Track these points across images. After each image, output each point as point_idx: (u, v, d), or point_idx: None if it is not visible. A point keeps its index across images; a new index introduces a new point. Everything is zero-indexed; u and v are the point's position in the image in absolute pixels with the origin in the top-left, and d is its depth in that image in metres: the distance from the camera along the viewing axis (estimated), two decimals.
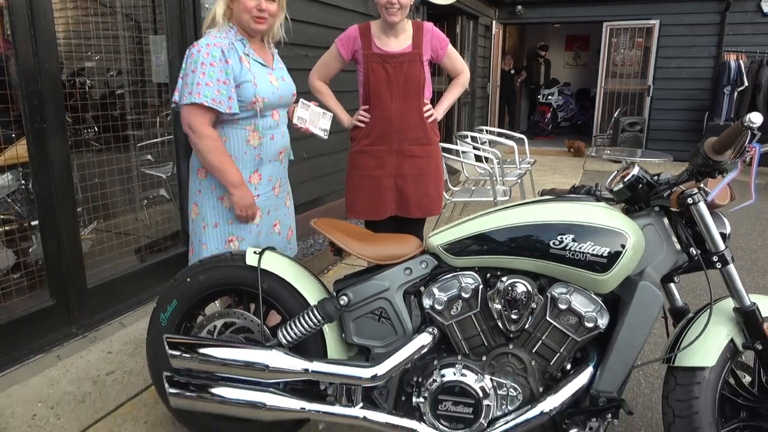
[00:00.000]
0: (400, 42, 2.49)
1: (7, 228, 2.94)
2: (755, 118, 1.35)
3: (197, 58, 1.95)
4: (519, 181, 5.26)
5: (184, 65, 2.01)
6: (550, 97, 12.36)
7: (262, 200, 2.16)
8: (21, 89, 2.41)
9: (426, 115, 2.56)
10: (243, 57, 2.02)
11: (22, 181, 2.97)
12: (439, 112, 2.65)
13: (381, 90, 2.49)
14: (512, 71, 11.22)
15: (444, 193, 3.47)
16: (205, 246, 2.12)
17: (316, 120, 2.32)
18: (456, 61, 2.68)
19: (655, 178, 1.73)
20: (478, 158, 5.13)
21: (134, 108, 3.64)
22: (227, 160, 2.01)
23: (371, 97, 2.52)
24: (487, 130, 6.50)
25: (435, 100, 2.65)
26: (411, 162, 2.56)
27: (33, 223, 2.87)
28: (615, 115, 8.82)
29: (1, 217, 2.97)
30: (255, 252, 1.89)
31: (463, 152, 5.04)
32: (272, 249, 1.94)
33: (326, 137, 2.38)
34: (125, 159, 3.63)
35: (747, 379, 1.79)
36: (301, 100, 2.29)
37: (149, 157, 3.89)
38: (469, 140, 5.62)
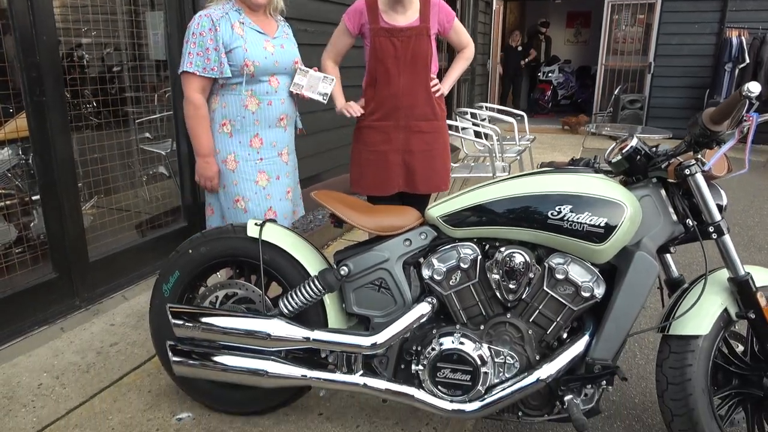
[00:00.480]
0: (407, 16, 2.44)
1: (8, 202, 2.95)
2: (753, 88, 1.36)
3: (190, 30, 2.13)
4: (518, 157, 5.26)
5: (184, 38, 2.16)
6: (550, 74, 12.27)
7: (267, 164, 2.29)
8: (19, 61, 2.40)
9: (433, 90, 2.54)
10: (236, 24, 2.15)
11: (23, 156, 2.97)
12: (445, 87, 2.62)
13: (389, 65, 2.45)
14: (519, 48, 11.09)
15: None
16: (212, 210, 2.33)
17: (315, 85, 2.33)
18: (462, 35, 2.66)
19: (653, 149, 1.74)
20: (477, 135, 5.13)
21: (133, 84, 3.63)
22: (202, 128, 2.18)
23: (378, 73, 2.48)
24: (486, 107, 6.48)
25: (440, 76, 2.63)
26: (419, 137, 2.54)
27: (34, 197, 2.88)
28: (615, 92, 8.78)
29: (2, 191, 2.98)
30: (256, 224, 1.91)
31: (463, 128, 5.03)
32: (273, 221, 1.97)
33: (325, 101, 2.39)
34: (124, 135, 3.63)
35: (740, 348, 1.82)
36: (300, 66, 2.32)
37: (147, 135, 3.89)
38: (468, 117, 5.60)
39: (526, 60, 11.61)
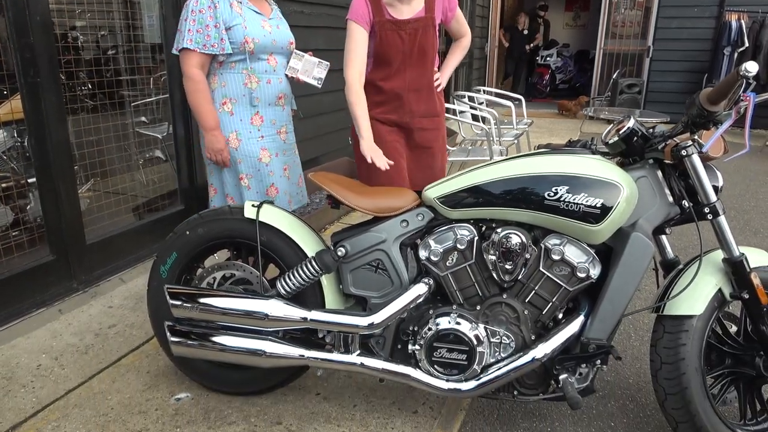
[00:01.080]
0: (412, 6, 2.32)
1: (4, 185, 2.94)
2: (751, 67, 1.36)
3: (189, 7, 2.15)
4: (515, 141, 5.26)
5: (180, 17, 2.17)
6: (548, 58, 12.20)
7: (268, 142, 2.34)
8: (12, 42, 2.38)
9: (435, 84, 2.47)
10: (234, 3, 2.18)
11: (18, 138, 2.96)
12: (443, 79, 2.57)
13: (396, 59, 2.33)
14: (525, 31, 10.96)
15: None
16: (225, 184, 2.34)
17: (310, 69, 2.38)
18: (462, 24, 2.59)
19: (650, 130, 1.74)
20: (474, 118, 5.11)
21: (128, 66, 3.60)
22: (205, 103, 2.19)
23: (383, 67, 2.35)
24: (484, 90, 6.45)
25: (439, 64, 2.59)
26: (420, 135, 2.46)
27: (30, 180, 2.87)
28: (614, 76, 8.74)
29: None
30: (253, 205, 1.91)
31: (461, 112, 5.01)
32: (270, 202, 1.97)
33: (320, 86, 2.43)
34: (120, 118, 3.61)
35: (734, 329, 1.84)
36: (295, 51, 2.37)
37: (144, 118, 3.87)
38: (466, 100, 5.58)
39: (532, 45, 11.49)
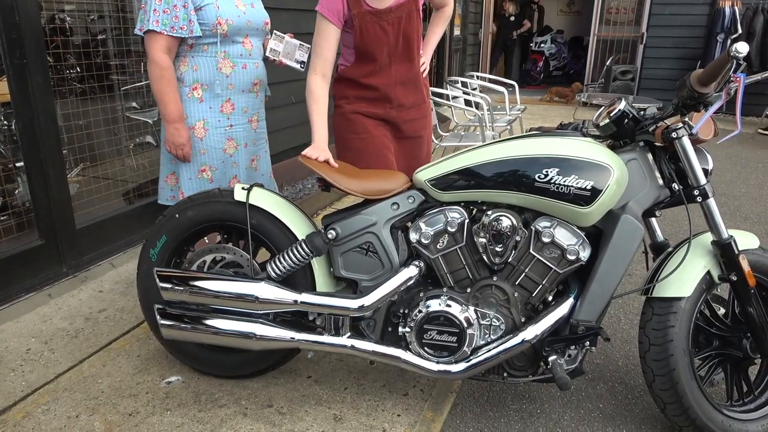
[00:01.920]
0: None
1: None
2: (741, 48, 1.35)
3: None
4: (508, 127, 5.25)
5: None
6: (542, 45, 12.16)
7: (236, 131, 2.21)
8: None
9: (421, 70, 2.33)
10: None
11: (4, 121, 2.92)
12: (427, 58, 2.44)
13: (379, 53, 2.11)
14: (512, 18, 10.91)
15: (433, 138, 3.43)
16: (175, 176, 2.21)
17: (291, 52, 2.28)
18: None
19: (641, 113, 1.74)
20: (468, 104, 5.10)
21: (118, 50, 3.55)
22: (171, 92, 2.05)
23: (367, 63, 2.14)
24: (477, 76, 6.43)
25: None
26: (408, 126, 2.31)
27: (18, 164, 2.84)
28: (607, 63, 8.73)
29: None
30: (243, 188, 1.89)
31: (454, 97, 5.00)
32: (260, 185, 1.95)
33: (303, 69, 2.33)
34: (110, 102, 3.57)
35: (722, 311, 1.86)
36: (275, 32, 2.26)
37: (134, 103, 3.83)
38: (459, 86, 5.56)
39: (519, 31, 11.43)
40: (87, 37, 3.72)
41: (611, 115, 1.70)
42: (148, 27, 1.98)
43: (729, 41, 8.02)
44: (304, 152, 1.94)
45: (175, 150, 2.11)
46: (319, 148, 1.96)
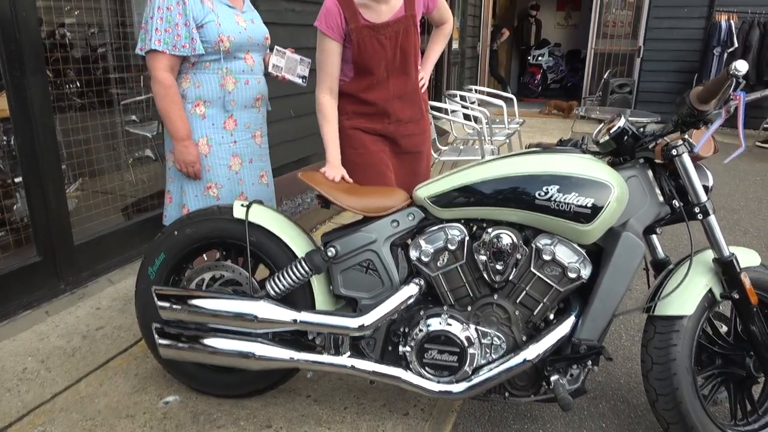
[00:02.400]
0: (391, 5, 2.10)
1: None
2: (741, 66, 1.35)
3: (154, 4, 1.96)
4: (507, 141, 5.26)
5: (144, 13, 2.00)
6: (540, 58, 12.23)
7: (240, 147, 2.20)
8: None
9: (420, 85, 2.34)
10: None
11: (4, 137, 2.92)
12: (426, 74, 2.44)
13: (377, 68, 2.12)
14: (491, 28, 10.89)
15: (432, 152, 3.43)
16: (184, 193, 2.18)
17: (293, 67, 2.29)
18: (444, 10, 2.43)
19: (641, 130, 1.74)
20: (466, 117, 5.11)
21: (117, 64, 3.56)
22: (176, 110, 2.03)
23: (365, 77, 2.15)
24: (476, 90, 6.45)
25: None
26: (407, 141, 2.30)
27: (17, 179, 2.83)
28: (605, 76, 8.77)
29: None
30: (242, 205, 1.89)
31: (452, 111, 5.01)
32: (259, 202, 1.94)
33: (305, 84, 2.35)
34: (109, 116, 3.57)
35: (724, 329, 1.84)
36: (276, 47, 2.26)
37: (133, 117, 3.84)
38: (458, 99, 5.57)
39: (498, 42, 11.26)
40: (87, 51, 3.74)
41: (611, 132, 1.70)
42: (150, 47, 1.96)
43: (726, 55, 8.07)
44: (322, 170, 2.02)
45: (186, 168, 2.09)
46: (335, 167, 2.07)
